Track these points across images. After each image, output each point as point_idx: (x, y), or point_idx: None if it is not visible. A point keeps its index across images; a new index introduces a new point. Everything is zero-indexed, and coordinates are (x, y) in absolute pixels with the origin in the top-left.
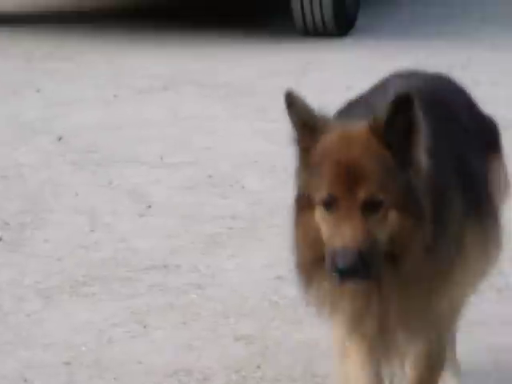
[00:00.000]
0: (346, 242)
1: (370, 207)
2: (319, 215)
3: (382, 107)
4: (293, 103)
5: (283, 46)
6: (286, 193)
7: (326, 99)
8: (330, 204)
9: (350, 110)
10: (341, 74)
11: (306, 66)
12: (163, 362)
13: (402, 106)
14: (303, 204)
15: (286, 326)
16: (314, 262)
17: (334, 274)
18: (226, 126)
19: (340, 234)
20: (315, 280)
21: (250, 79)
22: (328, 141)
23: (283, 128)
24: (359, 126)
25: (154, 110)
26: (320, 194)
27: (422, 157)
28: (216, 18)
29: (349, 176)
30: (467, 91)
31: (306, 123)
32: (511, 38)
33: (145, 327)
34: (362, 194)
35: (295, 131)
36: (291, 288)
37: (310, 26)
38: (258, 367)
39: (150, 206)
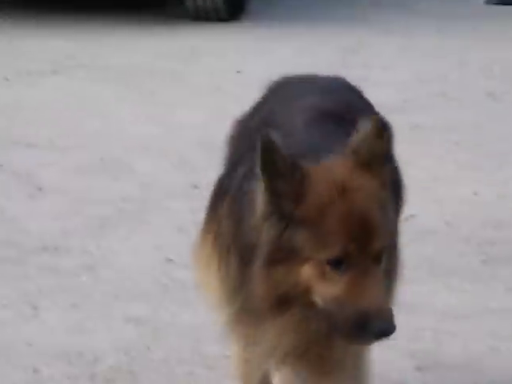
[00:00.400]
0: (381, 303)
1: (380, 257)
2: (318, 273)
3: (361, 132)
4: (270, 149)
5: (174, 31)
6: (177, 176)
7: (217, 83)
8: (341, 262)
9: (254, 121)
10: (231, 59)
11: (196, 51)
12: (54, 344)
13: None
14: (278, 258)
15: (175, 307)
16: (275, 307)
17: (369, 336)
18: (117, 110)
19: (367, 294)
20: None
21: (141, 63)
22: (323, 191)
23: (173, 112)
24: (345, 165)
25: (45, 94)
26: (326, 252)
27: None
28: (107, 1)
29: (362, 230)
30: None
31: (287, 170)
32: (401, 21)
33: (35, 309)
34: (375, 247)
35: (271, 179)
36: (181, 271)
37: (201, 11)
38: (148, 348)
39: (40, 189)
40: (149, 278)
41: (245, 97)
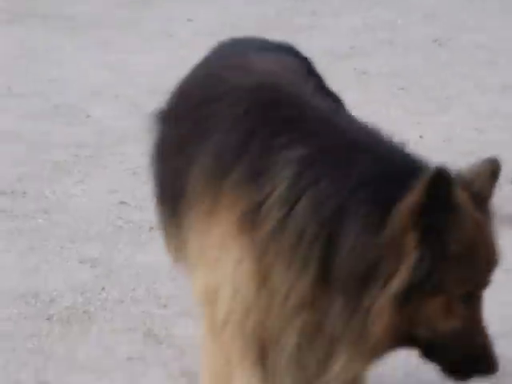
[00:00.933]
0: (490, 342)
1: None
2: (448, 307)
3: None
4: (445, 185)
5: None
6: (130, 121)
7: (169, 31)
8: (472, 296)
9: (198, 83)
10: (183, 7)
11: None
12: (11, 286)
13: None
14: (411, 295)
15: (129, 249)
16: (387, 344)
17: (482, 370)
18: (72, 58)
19: (484, 328)
20: None
21: (95, 11)
22: (470, 225)
23: (126, 59)
24: (468, 197)
25: (1, 42)
26: (466, 286)
27: None
28: None
29: (493, 264)
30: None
31: (455, 206)
32: None
33: None
34: (492, 279)
35: (436, 216)
36: (135, 213)
37: None
38: (103, 289)
39: None
40: (103, 221)
41: (196, 44)
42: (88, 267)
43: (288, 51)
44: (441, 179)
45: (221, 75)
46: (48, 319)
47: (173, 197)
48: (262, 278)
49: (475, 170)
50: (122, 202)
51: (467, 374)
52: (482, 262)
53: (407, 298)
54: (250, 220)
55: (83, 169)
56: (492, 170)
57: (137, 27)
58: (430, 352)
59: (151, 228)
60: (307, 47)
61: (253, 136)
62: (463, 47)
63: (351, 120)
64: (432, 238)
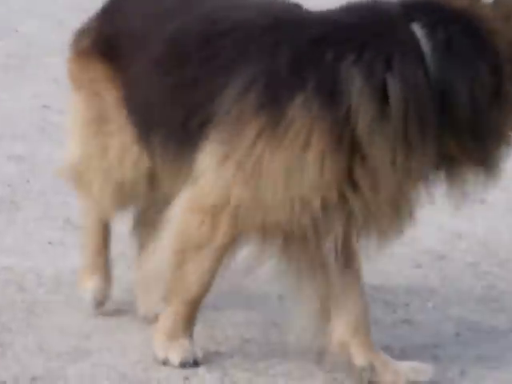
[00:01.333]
0: None
1: None
2: None
3: None
4: None
5: None
6: (55, 36)
7: None
8: None
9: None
10: None
11: None
12: None
13: None
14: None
15: (51, 147)
16: None
17: None
18: None
19: None
20: None
21: None
22: None
23: None
24: None
25: None
26: None
27: None
28: None
29: None
30: None
31: None
32: None
33: None
34: None
35: None
36: (56, 115)
37: None
38: (28, 182)
39: None
40: (28, 122)
41: None
42: (14, 163)
43: None
44: None
45: (214, 15)
46: None
47: (188, 133)
48: (352, 174)
49: None
50: (44, 106)
51: None
52: None
53: None
54: (333, 135)
55: (12, 76)
56: None
57: None
58: None
59: None
60: None
61: (297, 59)
62: None
63: (357, 20)
64: None
